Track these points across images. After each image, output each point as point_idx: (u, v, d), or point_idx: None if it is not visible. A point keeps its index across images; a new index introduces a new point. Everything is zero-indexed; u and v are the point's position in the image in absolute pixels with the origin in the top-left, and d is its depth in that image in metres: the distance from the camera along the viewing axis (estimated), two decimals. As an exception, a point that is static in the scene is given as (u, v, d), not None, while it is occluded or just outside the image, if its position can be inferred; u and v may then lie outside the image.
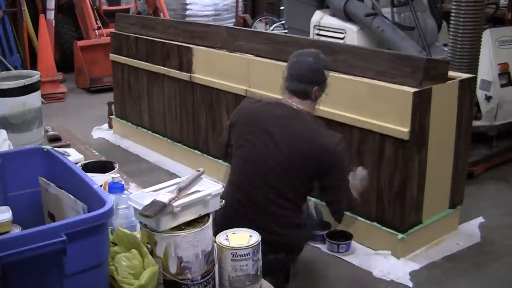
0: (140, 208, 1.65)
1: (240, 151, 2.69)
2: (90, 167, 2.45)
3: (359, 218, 3.40)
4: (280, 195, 2.57)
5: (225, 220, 2.30)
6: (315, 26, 5.45)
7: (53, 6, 7.56)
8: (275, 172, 2.57)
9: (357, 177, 2.83)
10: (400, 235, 3.23)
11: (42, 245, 1.33)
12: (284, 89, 2.71)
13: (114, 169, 2.48)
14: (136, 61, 5.03)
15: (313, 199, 3.43)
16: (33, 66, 6.91)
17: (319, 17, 5.43)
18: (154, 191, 1.75)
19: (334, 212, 2.72)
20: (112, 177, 1.95)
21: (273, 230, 2.49)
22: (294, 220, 2.60)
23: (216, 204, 1.76)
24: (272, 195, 2.57)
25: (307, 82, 2.64)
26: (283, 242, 2.53)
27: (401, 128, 3.09)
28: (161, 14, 8.16)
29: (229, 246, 1.69)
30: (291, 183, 2.58)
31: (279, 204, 2.57)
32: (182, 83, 4.56)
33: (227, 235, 1.74)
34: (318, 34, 5.40)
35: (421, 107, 3.10)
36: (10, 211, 1.75)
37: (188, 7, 9.25)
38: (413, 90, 3.06)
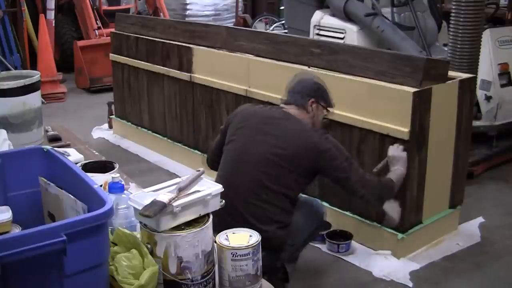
0: (140, 208, 1.65)
1: (230, 145, 2.72)
2: (90, 167, 2.45)
3: (359, 218, 3.40)
4: (264, 189, 2.56)
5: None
6: (315, 26, 5.45)
7: (53, 6, 7.56)
8: (261, 165, 2.58)
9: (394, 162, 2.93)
10: (400, 235, 3.23)
11: (42, 245, 1.33)
12: (282, 103, 2.82)
13: (114, 169, 2.48)
14: (136, 61, 5.03)
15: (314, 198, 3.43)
16: (33, 66, 6.91)
17: (319, 17, 5.43)
18: (154, 191, 1.76)
19: (368, 200, 2.77)
20: (112, 177, 1.95)
21: (252, 224, 2.44)
22: (275, 217, 2.57)
23: (216, 204, 1.76)
24: (255, 189, 2.56)
25: (302, 93, 2.75)
26: (262, 238, 2.49)
27: (401, 128, 3.09)
28: (161, 14, 8.16)
29: (229, 246, 1.69)
30: (278, 179, 2.58)
31: (263, 198, 2.55)
32: (182, 83, 4.56)
33: (227, 235, 1.74)
34: (318, 34, 5.40)
35: (421, 107, 3.10)
36: (10, 211, 1.75)
37: (188, 7, 9.25)
38: (413, 90, 3.06)
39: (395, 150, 3.01)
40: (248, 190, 2.57)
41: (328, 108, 2.82)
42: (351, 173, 2.65)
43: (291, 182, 2.61)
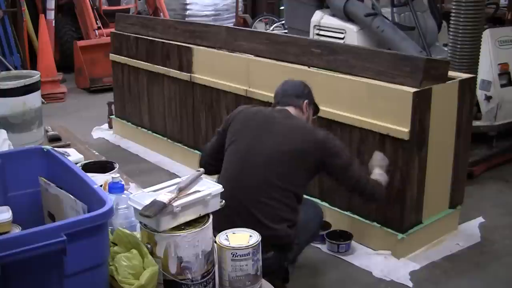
0: (140, 208, 1.65)
1: (233, 146, 2.71)
2: (90, 167, 2.45)
3: (359, 218, 3.40)
4: (274, 188, 2.56)
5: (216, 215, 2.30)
6: (315, 26, 5.45)
7: (53, 6, 7.57)
8: (270, 164, 2.59)
9: (375, 161, 2.96)
10: (400, 235, 3.23)
11: (42, 245, 1.33)
12: (278, 105, 2.84)
13: (114, 169, 2.48)
14: (136, 61, 5.03)
15: (313, 199, 3.44)
16: (33, 66, 6.91)
17: (319, 17, 5.43)
18: (154, 191, 1.75)
19: (368, 196, 2.81)
20: (112, 177, 1.95)
21: (263, 223, 2.47)
22: (285, 215, 2.58)
23: (216, 204, 1.76)
24: (266, 188, 2.57)
25: (296, 94, 2.82)
26: (273, 237, 2.50)
27: (401, 128, 3.09)
28: (161, 14, 8.16)
29: (229, 246, 1.69)
30: (287, 176, 2.59)
31: (273, 197, 2.56)
32: (182, 83, 4.56)
33: (227, 235, 1.74)
34: (318, 34, 5.40)
35: (421, 107, 3.10)
36: (10, 211, 1.75)
37: (188, 7, 9.25)
38: (413, 90, 3.06)
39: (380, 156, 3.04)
40: (258, 189, 2.57)
41: (317, 111, 2.93)
42: (354, 163, 2.72)
43: (298, 179, 2.64)
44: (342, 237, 3.38)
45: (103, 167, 2.51)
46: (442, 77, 3.24)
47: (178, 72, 4.55)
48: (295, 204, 2.63)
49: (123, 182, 1.98)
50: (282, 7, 9.47)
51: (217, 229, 1.76)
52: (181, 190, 1.72)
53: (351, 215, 3.44)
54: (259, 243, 1.72)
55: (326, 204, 3.52)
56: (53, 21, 7.60)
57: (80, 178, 1.68)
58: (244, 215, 2.49)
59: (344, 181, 2.74)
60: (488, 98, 4.52)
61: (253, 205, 2.54)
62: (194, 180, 1.79)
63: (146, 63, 4.91)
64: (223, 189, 1.78)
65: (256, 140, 2.66)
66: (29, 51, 7.28)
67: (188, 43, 4.51)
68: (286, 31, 6.98)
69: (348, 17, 5.13)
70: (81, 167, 2.26)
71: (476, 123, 4.29)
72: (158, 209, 1.60)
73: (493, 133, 4.60)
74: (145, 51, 4.92)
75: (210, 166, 2.81)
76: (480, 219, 3.74)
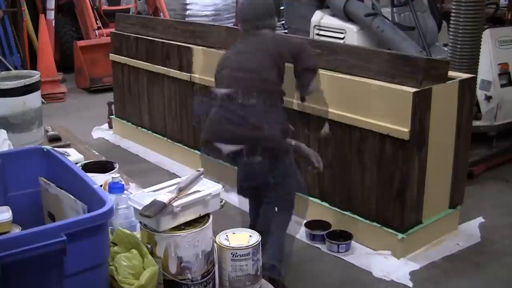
0: (140, 208, 1.65)
1: (220, 74, 3.00)
2: (90, 167, 2.44)
3: (359, 218, 3.40)
4: (260, 93, 2.82)
5: (212, 130, 2.60)
6: (315, 26, 5.45)
7: (53, 6, 7.57)
8: (253, 73, 2.86)
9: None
10: (400, 235, 3.23)
11: (42, 245, 1.33)
12: (254, 28, 3.04)
13: (114, 169, 2.48)
14: (136, 61, 5.03)
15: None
16: (33, 66, 6.91)
17: (319, 17, 5.43)
18: (154, 191, 1.75)
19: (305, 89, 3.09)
20: (112, 177, 1.95)
21: (256, 125, 2.74)
22: (273, 118, 2.83)
23: (216, 204, 1.76)
24: (251, 94, 2.81)
25: (269, 13, 3.05)
26: (265, 138, 2.75)
27: (401, 128, 3.09)
28: (161, 14, 8.16)
29: (229, 246, 1.69)
30: (271, 80, 2.87)
31: (261, 102, 2.80)
32: (182, 83, 4.56)
33: (227, 235, 1.74)
34: (318, 34, 5.40)
35: (421, 107, 3.10)
36: (10, 211, 1.75)
37: (188, 7, 9.25)
38: (413, 90, 3.06)
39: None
40: (247, 96, 2.81)
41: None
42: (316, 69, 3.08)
43: (278, 78, 2.92)
44: (342, 237, 3.38)
45: (103, 167, 2.50)
46: (442, 77, 3.24)
47: (178, 72, 4.55)
48: (279, 104, 2.91)
49: (123, 182, 1.97)
50: (282, 7, 9.45)
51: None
52: (181, 190, 1.72)
53: (351, 215, 3.44)
54: (259, 243, 1.72)
55: (326, 204, 3.52)
56: (53, 21, 7.60)
57: (80, 178, 1.68)
58: (237, 120, 2.77)
59: (304, 77, 3.00)
60: (488, 98, 4.52)
61: (246, 114, 2.78)
62: (194, 180, 1.79)
63: (146, 63, 4.91)
64: (223, 189, 1.78)
65: (240, 62, 2.94)
66: (29, 51, 7.28)
67: (188, 43, 4.51)
68: (286, 31, 6.98)
69: (348, 17, 5.13)
70: (81, 167, 2.26)
71: (476, 123, 4.30)
72: (158, 209, 1.60)
73: (493, 133, 4.60)
74: (145, 51, 4.92)
75: None
76: (480, 219, 3.74)
